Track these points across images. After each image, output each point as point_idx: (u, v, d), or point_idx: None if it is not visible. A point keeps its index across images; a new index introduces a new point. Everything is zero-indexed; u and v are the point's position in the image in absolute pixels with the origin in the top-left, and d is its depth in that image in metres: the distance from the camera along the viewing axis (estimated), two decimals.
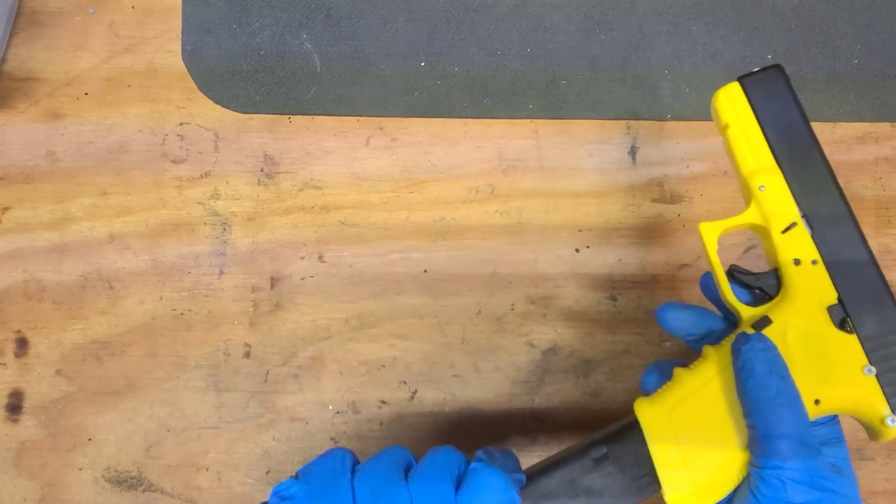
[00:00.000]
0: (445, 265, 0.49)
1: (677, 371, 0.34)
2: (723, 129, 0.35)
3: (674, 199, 0.49)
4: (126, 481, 0.47)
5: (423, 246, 0.49)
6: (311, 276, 0.48)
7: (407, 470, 0.32)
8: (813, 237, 0.33)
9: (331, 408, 0.48)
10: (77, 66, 0.50)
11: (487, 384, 0.48)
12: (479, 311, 0.49)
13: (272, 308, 0.48)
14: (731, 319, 0.36)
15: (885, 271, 0.49)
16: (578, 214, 0.49)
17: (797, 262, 0.32)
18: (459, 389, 0.48)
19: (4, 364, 0.48)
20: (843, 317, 0.32)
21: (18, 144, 0.49)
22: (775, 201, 0.33)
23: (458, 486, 0.31)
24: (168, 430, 0.47)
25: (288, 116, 0.50)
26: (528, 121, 0.50)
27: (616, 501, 0.33)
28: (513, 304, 0.48)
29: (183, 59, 0.50)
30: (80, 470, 0.47)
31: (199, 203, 0.49)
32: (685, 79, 0.50)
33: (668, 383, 0.35)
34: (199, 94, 0.50)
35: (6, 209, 0.49)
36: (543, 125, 0.50)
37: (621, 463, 0.33)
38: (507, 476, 0.32)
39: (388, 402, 0.48)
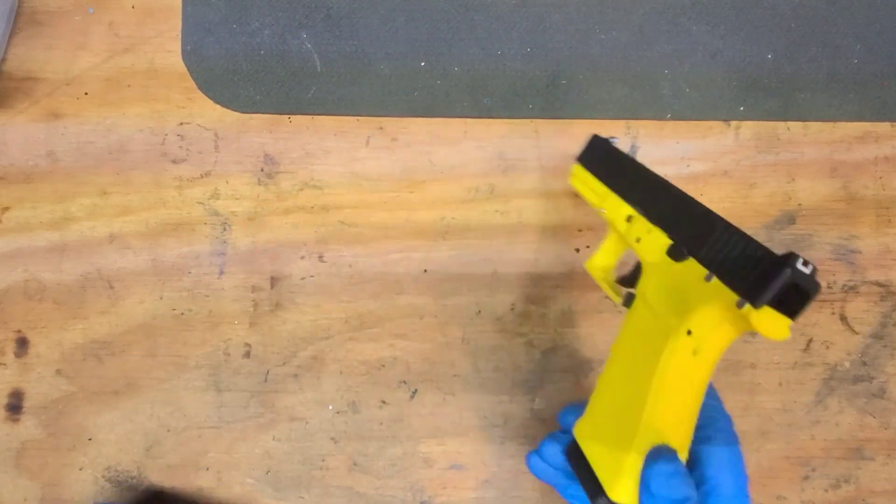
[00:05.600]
0: (445, 265, 0.49)
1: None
2: (578, 193, 0.44)
3: None
4: (126, 481, 0.47)
5: (422, 246, 0.49)
6: (311, 276, 0.48)
7: None
8: (641, 213, 0.38)
9: (331, 408, 0.48)
10: (77, 65, 0.50)
11: (487, 384, 0.48)
12: (479, 311, 0.49)
13: (272, 308, 0.48)
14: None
15: (885, 271, 0.49)
16: (578, 214, 0.49)
17: (639, 239, 0.38)
18: (459, 389, 0.48)
19: (4, 364, 0.48)
20: (677, 249, 0.35)
21: (18, 144, 0.49)
22: (615, 211, 0.40)
23: None
24: (168, 430, 0.47)
25: (288, 116, 0.50)
26: (528, 121, 0.50)
27: None
28: (513, 304, 0.48)
29: (183, 59, 0.50)
30: (80, 470, 0.47)
31: (199, 203, 0.49)
32: (685, 79, 0.50)
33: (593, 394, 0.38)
34: (199, 94, 0.50)
35: (6, 209, 0.49)
36: (543, 125, 0.50)
37: (583, 481, 0.35)
38: None
39: (388, 402, 0.48)
